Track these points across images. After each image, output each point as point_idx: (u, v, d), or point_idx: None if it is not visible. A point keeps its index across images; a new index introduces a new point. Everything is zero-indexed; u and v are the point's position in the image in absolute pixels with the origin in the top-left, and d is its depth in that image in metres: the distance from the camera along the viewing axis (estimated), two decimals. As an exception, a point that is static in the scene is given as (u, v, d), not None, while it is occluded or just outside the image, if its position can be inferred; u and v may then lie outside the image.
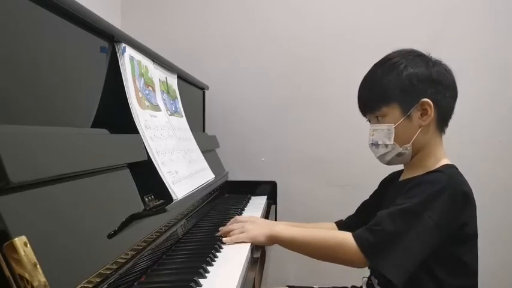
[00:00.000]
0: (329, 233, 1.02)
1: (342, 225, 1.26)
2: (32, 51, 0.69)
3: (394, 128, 1.02)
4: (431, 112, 1.00)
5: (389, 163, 1.08)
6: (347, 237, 0.95)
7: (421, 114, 1.01)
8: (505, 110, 1.84)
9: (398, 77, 1.01)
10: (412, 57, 1.03)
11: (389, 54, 1.07)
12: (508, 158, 1.84)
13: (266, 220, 1.30)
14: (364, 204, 1.26)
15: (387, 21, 1.85)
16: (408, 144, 1.03)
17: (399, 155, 1.05)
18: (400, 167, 1.14)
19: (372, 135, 1.07)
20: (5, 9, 0.62)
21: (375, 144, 1.07)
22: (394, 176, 1.17)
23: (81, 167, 0.68)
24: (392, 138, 1.03)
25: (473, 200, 0.98)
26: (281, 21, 1.91)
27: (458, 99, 1.06)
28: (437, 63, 1.04)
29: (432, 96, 1.00)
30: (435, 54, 1.06)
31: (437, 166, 1.02)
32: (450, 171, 0.99)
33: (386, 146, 1.04)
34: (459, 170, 1.02)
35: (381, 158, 1.08)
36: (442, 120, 1.04)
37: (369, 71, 1.09)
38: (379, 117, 1.06)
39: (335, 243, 0.97)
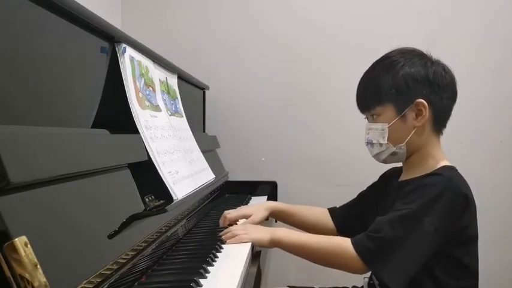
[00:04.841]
0: (330, 240, 1.01)
1: (334, 212, 1.27)
2: (32, 51, 0.69)
3: (388, 127, 1.02)
4: (426, 113, 0.99)
5: (384, 162, 1.09)
6: (347, 245, 0.95)
7: (416, 115, 1.01)
8: (505, 110, 1.84)
9: (394, 77, 1.01)
10: (411, 57, 1.02)
11: (389, 53, 1.07)
12: (508, 158, 1.84)
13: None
14: (361, 196, 1.25)
15: (386, 21, 1.85)
16: (402, 144, 1.02)
17: (393, 154, 1.05)
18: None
19: (368, 134, 1.08)
20: (5, 9, 0.62)
21: (369, 143, 1.07)
22: (395, 173, 1.15)
23: (82, 167, 0.68)
24: (386, 137, 1.03)
25: (473, 202, 0.97)
26: (281, 22, 1.91)
27: (457, 100, 1.05)
28: (436, 64, 1.03)
29: (427, 96, 1.00)
30: (434, 54, 1.06)
31: (436, 168, 1.01)
32: (449, 173, 0.98)
33: (380, 145, 1.05)
34: (459, 171, 1.02)
35: (376, 156, 1.08)
36: (439, 121, 1.03)
37: (368, 69, 1.09)
38: (374, 116, 1.06)
39: (335, 250, 0.97)
